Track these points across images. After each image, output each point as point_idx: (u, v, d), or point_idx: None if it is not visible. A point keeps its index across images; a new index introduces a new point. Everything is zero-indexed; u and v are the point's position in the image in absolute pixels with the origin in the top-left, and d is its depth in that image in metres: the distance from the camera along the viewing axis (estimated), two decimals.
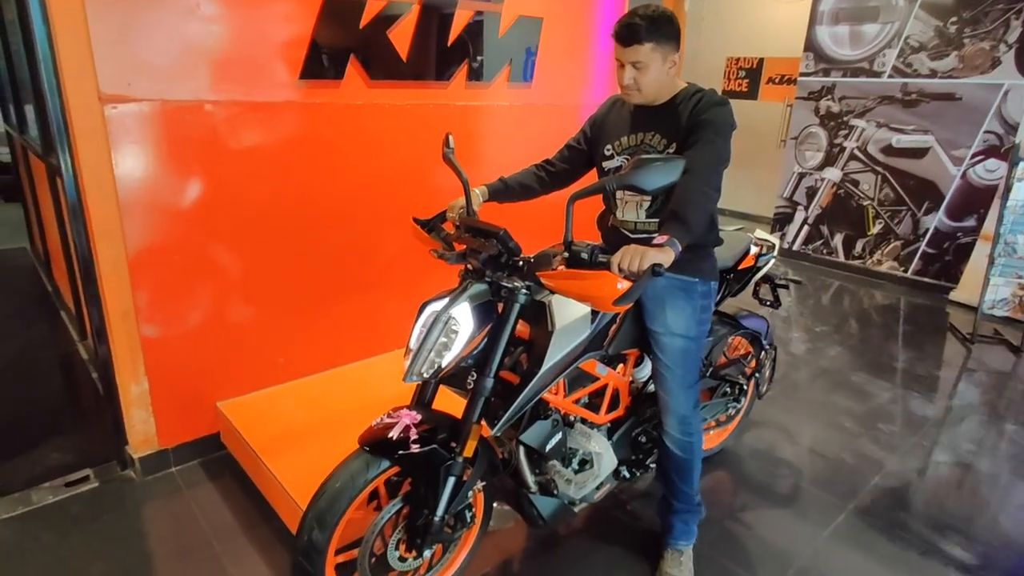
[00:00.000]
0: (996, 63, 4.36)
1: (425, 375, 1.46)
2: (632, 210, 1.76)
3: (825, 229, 5.44)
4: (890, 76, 4.85)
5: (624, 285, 1.25)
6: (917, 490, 2.43)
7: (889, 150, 4.93)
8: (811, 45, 5.24)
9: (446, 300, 1.50)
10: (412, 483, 1.57)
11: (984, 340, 3.90)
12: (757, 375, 2.35)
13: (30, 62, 2.56)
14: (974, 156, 4.54)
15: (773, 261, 2.16)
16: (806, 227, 5.56)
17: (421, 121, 2.69)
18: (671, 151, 1.67)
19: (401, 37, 2.52)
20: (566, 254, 1.42)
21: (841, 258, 5.36)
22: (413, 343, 1.52)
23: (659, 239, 1.39)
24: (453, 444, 1.52)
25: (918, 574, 1.98)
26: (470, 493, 1.60)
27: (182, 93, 2.06)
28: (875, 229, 5.13)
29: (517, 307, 1.48)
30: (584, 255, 1.38)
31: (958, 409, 3.12)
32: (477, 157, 2.95)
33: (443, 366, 1.45)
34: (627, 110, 1.78)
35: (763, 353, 2.36)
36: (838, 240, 5.37)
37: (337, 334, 2.71)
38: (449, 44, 2.67)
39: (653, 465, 2.03)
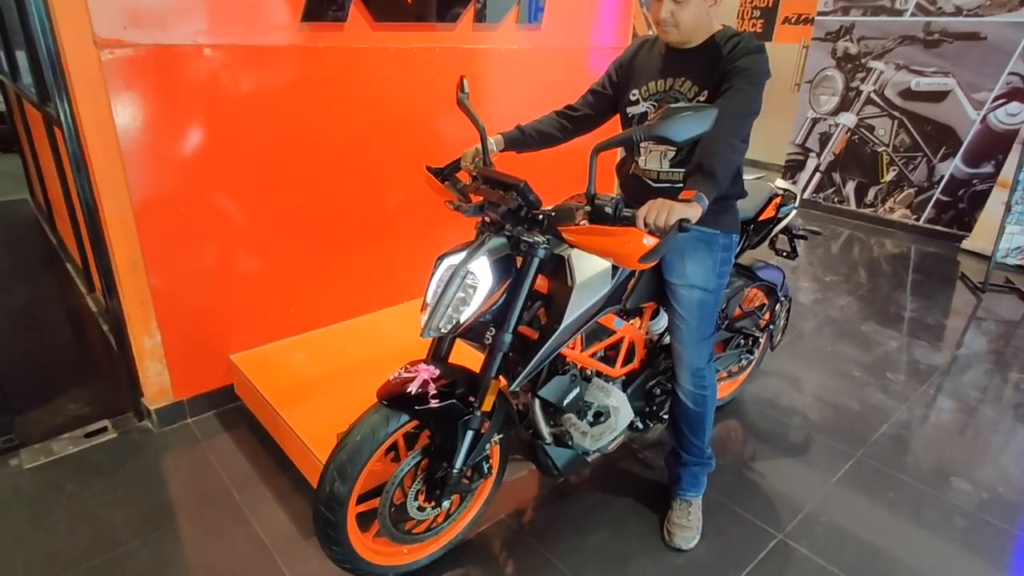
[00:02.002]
0: None
1: (443, 330, 1.44)
2: (655, 159, 1.70)
3: (837, 177, 5.34)
4: (912, 15, 4.64)
5: (651, 242, 1.22)
6: (923, 438, 2.46)
7: (908, 94, 4.78)
8: None
9: (463, 254, 1.47)
10: (430, 436, 1.58)
11: (995, 289, 3.88)
12: (771, 327, 2.34)
13: (19, 6, 2.44)
14: (996, 99, 4.40)
15: (795, 212, 2.11)
16: (818, 175, 5.45)
17: (427, 65, 2.59)
18: (702, 99, 1.60)
19: None
20: (588, 208, 1.38)
21: (852, 206, 5.29)
22: (430, 298, 1.50)
23: (686, 193, 1.35)
24: (471, 398, 1.52)
25: (923, 518, 2.02)
26: (487, 445, 1.61)
27: (180, 37, 1.97)
28: (889, 176, 5.03)
29: (536, 262, 1.45)
30: (608, 209, 1.33)
31: (965, 358, 3.13)
32: (485, 103, 2.85)
33: (461, 322, 1.43)
34: (657, 53, 1.70)
35: (778, 305, 2.34)
36: (850, 188, 5.28)
37: (348, 284, 2.69)
38: None
39: (666, 416, 2.05)
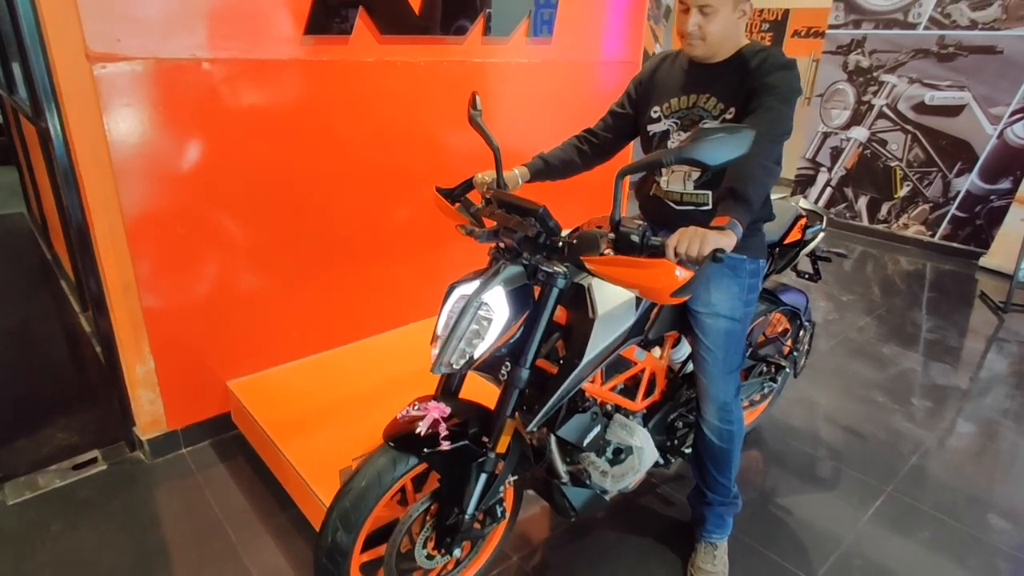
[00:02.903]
0: None
1: (455, 366, 1.33)
2: (679, 180, 1.60)
3: (849, 192, 5.24)
4: (926, 28, 4.57)
5: (684, 275, 1.11)
6: (955, 470, 2.33)
7: (921, 108, 4.69)
8: None
9: (476, 283, 1.36)
10: (441, 479, 1.46)
11: (1017, 308, 3.76)
12: (795, 353, 2.22)
13: (12, 18, 2.36)
14: (1013, 114, 4.31)
15: (822, 234, 2.00)
16: (829, 189, 5.36)
17: (435, 79, 2.50)
18: (728, 117, 1.50)
19: None
20: (611, 235, 1.27)
21: (865, 222, 5.18)
22: (441, 329, 1.39)
23: (718, 220, 1.24)
24: (485, 439, 1.40)
25: (965, 561, 1.89)
26: (501, 488, 1.50)
27: (177, 51, 1.88)
28: (902, 192, 4.93)
29: (556, 292, 1.34)
30: (635, 237, 1.22)
31: (991, 382, 3.01)
32: (495, 118, 2.76)
33: (475, 357, 1.32)
34: (679, 68, 1.60)
35: (802, 331, 2.23)
36: (862, 203, 5.18)
37: (352, 306, 2.59)
38: None
39: (688, 450, 1.93)
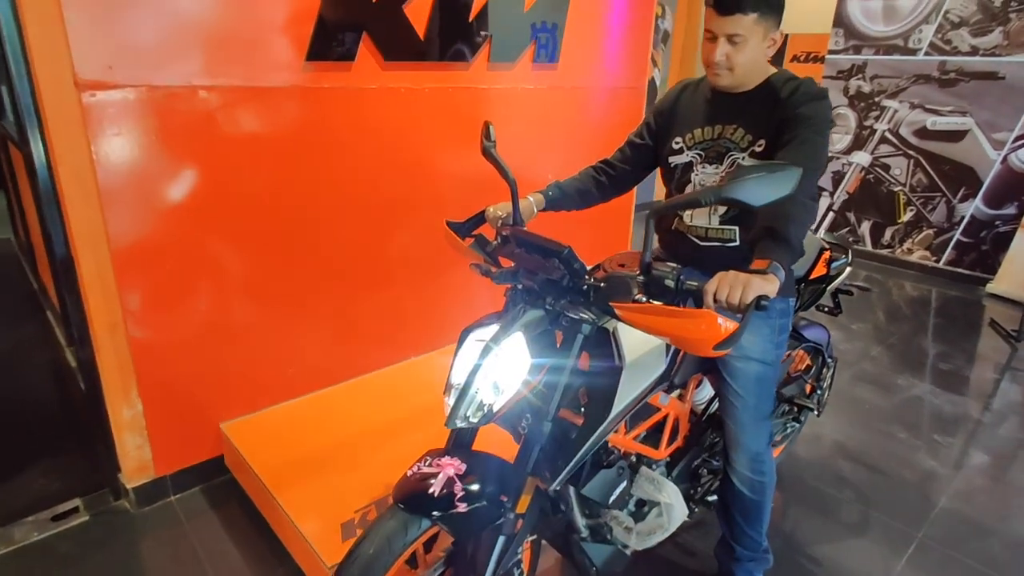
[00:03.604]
0: None
1: (472, 420, 1.22)
2: (703, 214, 1.51)
3: (852, 216, 5.19)
4: (927, 54, 4.56)
5: (728, 326, 1.01)
6: (986, 512, 2.22)
7: (923, 133, 4.67)
8: (841, 20, 4.93)
9: (493, 327, 1.26)
10: (455, 541, 1.34)
11: None
12: (819, 391, 2.12)
13: None
14: (1016, 139, 4.29)
15: (848, 269, 1.92)
16: (831, 214, 5.31)
17: (441, 106, 2.42)
18: (757, 149, 1.42)
19: (417, 12, 2.23)
20: (641, 277, 1.17)
21: (868, 247, 5.13)
22: (455, 378, 1.28)
23: (757, 263, 1.15)
24: (503, 497, 1.29)
25: None
26: (520, 548, 1.38)
27: (173, 78, 1.78)
28: (906, 216, 4.88)
29: (581, 339, 1.24)
30: (669, 282, 1.13)
31: (1015, 415, 2.91)
32: (501, 145, 2.67)
33: (495, 411, 1.21)
34: (702, 96, 1.53)
35: (824, 368, 2.13)
36: (865, 228, 5.13)
37: (353, 341, 2.47)
38: (470, 20, 2.39)
39: (712, 498, 1.82)
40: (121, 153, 1.76)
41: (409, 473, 1.31)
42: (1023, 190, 4.27)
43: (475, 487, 1.25)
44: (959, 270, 4.67)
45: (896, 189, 4.89)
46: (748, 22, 1.31)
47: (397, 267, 2.52)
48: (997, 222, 4.47)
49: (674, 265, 1.15)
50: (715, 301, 1.09)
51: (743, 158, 1.45)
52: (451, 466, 1.28)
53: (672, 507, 1.46)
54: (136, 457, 2.04)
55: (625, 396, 1.28)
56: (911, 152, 4.75)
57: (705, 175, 1.52)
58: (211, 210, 1.96)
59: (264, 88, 1.96)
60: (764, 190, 1.03)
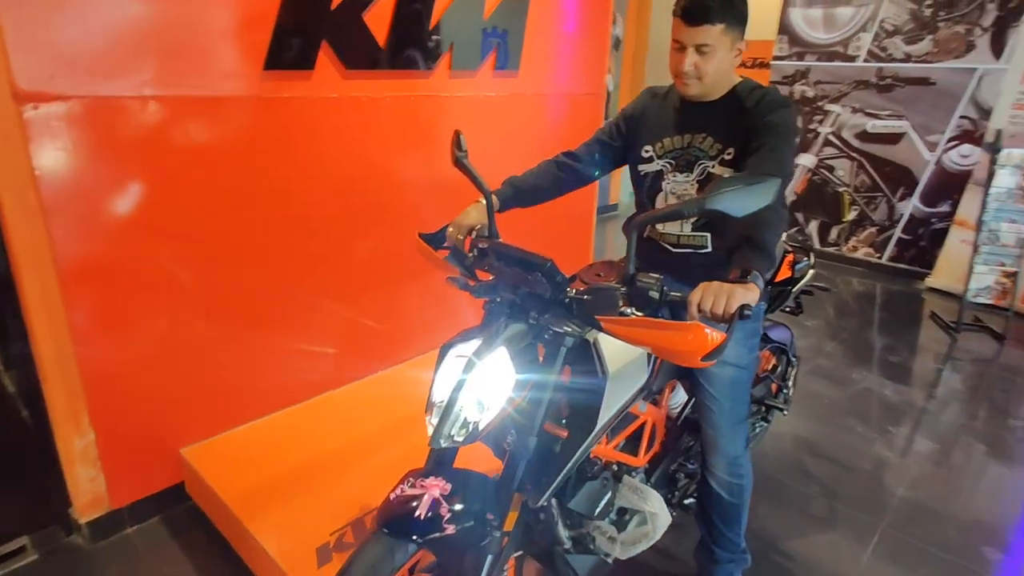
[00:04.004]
0: (970, 47, 4.34)
1: (457, 439, 1.19)
2: (676, 222, 1.53)
3: (800, 216, 5.39)
4: (865, 60, 4.78)
5: (716, 336, 1.02)
6: (941, 499, 2.32)
7: (864, 136, 4.89)
8: (785, 28, 5.12)
9: (475, 343, 1.24)
10: (440, 562, 1.31)
11: (968, 328, 3.90)
12: (785, 390, 2.18)
13: None
14: (949, 141, 4.53)
15: (812, 272, 1.98)
16: None
17: (403, 115, 2.39)
18: (726, 157, 1.44)
19: (378, 20, 2.19)
20: (623, 289, 1.17)
21: (816, 245, 5.33)
22: (437, 396, 1.25)
23: (735, 272, 1.17)
24: (489, 515, 1.26)
25: None
26: (506, 566, 1.36)
27: (123, 88, 1.70)
28: (850, 215, 5.10)
29: (564, 352, 1.23)
30: (654, 293, 1.13)
31: (959, 403, 3.07)
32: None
33: (480, 429, 1.19)
34: (671, 106, 1.54)
35: (789, 367, 2.19)
36: (813, 227, 5.33)
37: (316, 357, 2.40)
38: (431, 28, 2.36)
39: (688, 501, 1.84)
40: (66, 168, 1.66)
41: (392, 496, 1.27)
42: (955, 188, 4.52)
43: (461, 507, 1.23)
44: (900, 266, 4.91)
45: (841, 189, 5.10)
46: (716, 32, 1.34)
47: (361, 279, 2.46)
48: (933, 219, 4.71)
49: (657, 276, 1.15)
50: (699, 311, 1.10)
51: (712, 166, 1.48)
52: (436, 487, 1.25)
53: (657, 515, 1.47)
54: (89, 490, 1.92)
55: (611, 408, 1.28)
56: (854, 154, 4.96)
57: (676, 183, 1.53)
58: (164, 226, 1.87)
59: (220, 98, 1.89)
60: (745, 201, 1.05)
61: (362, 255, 2.43)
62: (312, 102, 2.10)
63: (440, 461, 1.37)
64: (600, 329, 1.16)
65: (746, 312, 1.08)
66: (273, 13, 1.91)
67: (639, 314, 1.13)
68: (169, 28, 1.74)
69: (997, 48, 4.25)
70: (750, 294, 1.11)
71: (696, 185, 1.50)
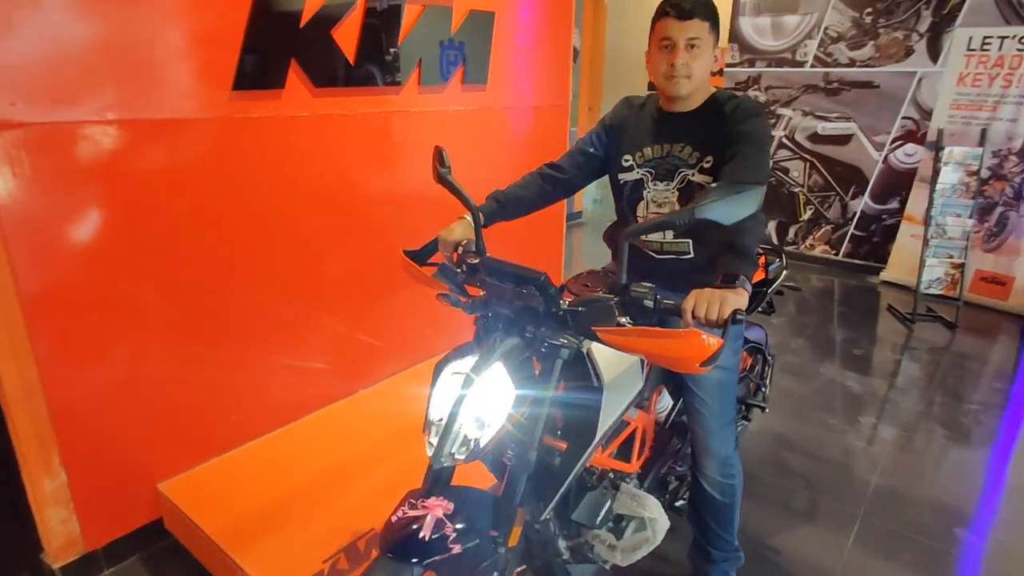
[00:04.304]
0: (909, 52, 4.57)
1: (459, 457, 1.19)
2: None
3: None
4: (812, 66, 4.98)
5: (713, 342, 1.04)
6: (914, 485, 2.42)
7: (815, 137, 5.08)
8: (736, 36, 5.29)
9: (470, 359, 1.24)
10: None
11: (922, 318, 4.08)
12: (763, 388, 2.24)
13: None
14: (894, 141, 4.76)
15: (785, 273, 2.04)
16: None
17: (374, 131, 2.37)
18: (705, 165, 1.48)
19: (346, 37, 2.18)
20: (616, 299, 1.19)
21: (775, 244, 5.50)
22: (434, 415, 1.24)
23: (725, 277, 1.20)
24: (493, 532, 1.26)
25: None
26: None
27: (87, 113, 1.64)
28: (806, 215, 5.29)
29: (560, 364, 1.24)
30: (648, 302, 1.15)
31: (921, 391, 3.20)
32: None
33: (482, 446, 1.18)
34: (649, 116, 1.58)
35: (766, 365, 2.25)
36: (771, 227, 5.50)
37: (295, 379, 2.34)
38: (399, 43, 2.36)
39: (679, 504, 1.87)
40: (28, 198, 1.59)
41: (393, 519, 1.25)
42: (903, 186, 4.74)
43: (465, 525, 1.22)
44: (856, 261, 5.11)
45: (796, 190, 5.29)
46: (704, 28, 1.39)
47: (337, 297, 2.42)
48: (883, 216, 4.93)
49: (650, 285, 1.17)
50: (694, 318, 1.13)
51: (692, 174, 1.52)
52: (438, 506, 1.23)
53: (656, 520, 1.49)
54: (61, 533, 1.83)
55: (609, 417, 1.30)
56: (806, 155, 5.16)
57: (656, 192, 1.57)
58: (135, 253, 1.81)
59: (188, 120, 1.84)
60: (734, 209, 1.09)
61: (339, 273, 2.39)
62: (283, 121, 2.07)
63: (438, 480, 1.36)
64: (598, 340, 1.17)
65: (739, 317, 1.11)
66: (240, 33, 1.87)
67: (632, 324, 1.15)
68: (134, 51, 1.69)
69: (933, 52, 4.49)
70: (741, 299, 1.14)
71: (676, 193, 1.54)
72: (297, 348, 2.32)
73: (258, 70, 1.95)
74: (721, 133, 1.46)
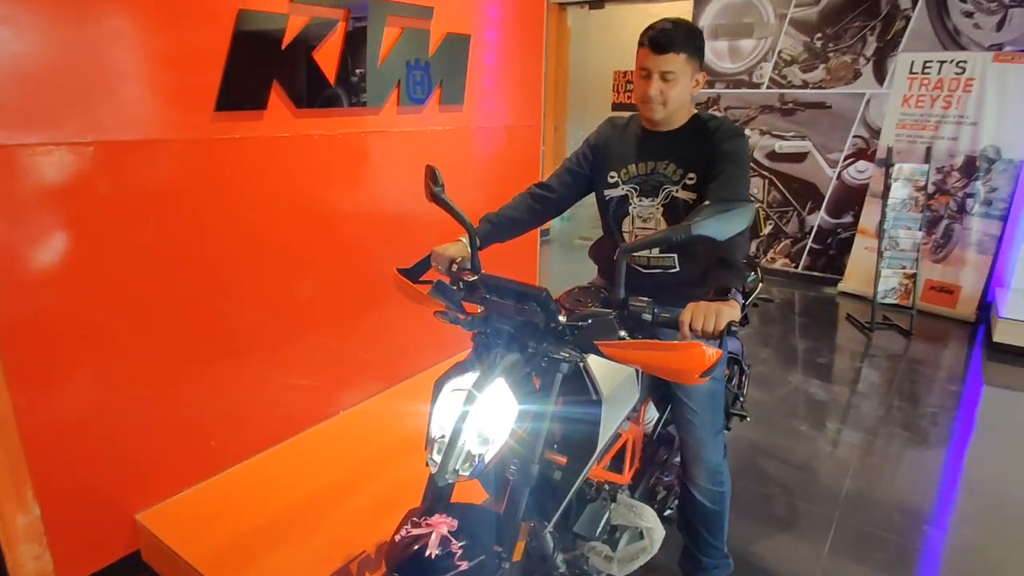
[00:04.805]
0: (858, 74, 4.83)
1: (463, 473, 1.20)
2: None
3: None
4: (768, 87, 5.21)
5: (714, 353, 1.09)
6: (884, 486, 2.53)
7: (773, 156, 5.30)
8: None
9: (469, 375, 1.26)
10: None
11: (880, 327, 4.27)
12: (741, 398, 2.31)
13: None
14: (846, 158, 5.00)
15: (760, 285, 2.12)
16: None
17: (355, 151, 2.38)
18: (688, 182, 1.55)
19: (327, 58, 2.19)
20: (614, 313, 1.23)
21: None
22: (436, 432, 1.25)
23: (717, 291, 1.26)
24: (498, 548, 1.27)
25: None
26: None
27: (68, 135, 1.61)
28: (767, 229, 5.48)
29: (560, 378, 1.27)
30: (646, 315, 1.20)
31: (883, 396, 3.35)
32: (416, 188, 2.68)
33: (486, 461, 1.20)
34: (633, 134, 1.64)
35: (743, 376, 2.33)
36: None
37: (276, 401, 2.30)
38: (379, 65, 2.38)
39: (667, 513, 1.91)
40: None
41: (397, 538, 1.25)
42: (856, 201, 4.98)
43: (470, 542, 1.23)
44: (815, 273, 5.31)
45: (756, 206, 5.49)
46: (680, 61, 1.46)
47: (319, 317, 2.40)
48: (839, 229, 5.15)
49: (647, 299, 1.22)
50: (691, 330, 1.18)
51: (676, 190, 1.58)
52: (443, 524, 1.24)
53: (653, 530, 1.52)
54: (34, 569, 1.74)
55: (608, 430, 1.33)
56: (765, 173, 5.37)
57: (642, 207, 1.63)
58: (110, 277, 1.76)
59: (169, 141, 1.82)
60: (727, 225, 1.14)
61: (321, 292, 2.37)
62: (265, 141, 2.06)
63: (439, 497, 1.36)
64: (600, 354, 1.20)
65: (733, 328, 1.16)
66: (223, 55, 1.87)
67: (640, 339, 1.19)
68: (115, 73, 1.67)
69: (879, 75, 4.76)
70: (734, 311, 1.19)
71: (661, 208, 1.60)
72: (279, 368, 2.29)
73: (240, 91, 1.95)
74: (704, 151, 1.53)
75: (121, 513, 1.90)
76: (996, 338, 3.90)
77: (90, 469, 1.81)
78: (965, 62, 4.27)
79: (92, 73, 1.63)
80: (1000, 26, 4.28)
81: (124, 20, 1.67)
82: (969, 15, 4.36)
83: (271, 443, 2.29)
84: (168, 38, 1.76)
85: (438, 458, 1.21)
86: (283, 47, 2.04)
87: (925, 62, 4.42)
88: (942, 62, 4.37)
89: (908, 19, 4.56)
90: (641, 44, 1.50)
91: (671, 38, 1.44)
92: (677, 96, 1.50)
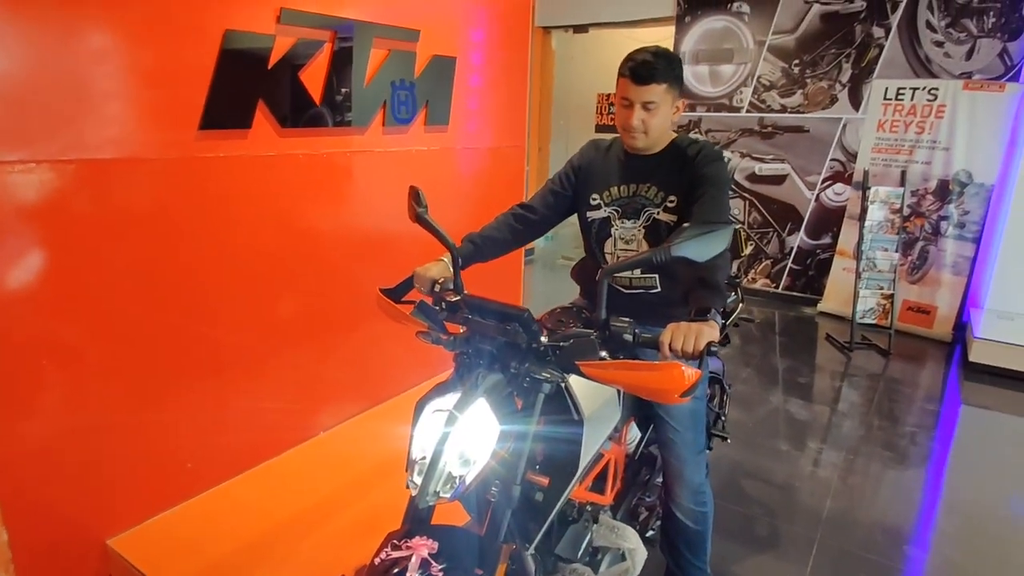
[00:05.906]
0: (834, 100, 4.96)
1: (444, 495, 1.19)
2: None
3: None
4: (748, 111, 5.32)
5: (692, 374, 1.10)
6: (864, 506, 2.54)
7: (753, 178, 5.40)
8: None
9: (451, 396, 1.25)
10: None
11: (859, 346, 4.33)
12: (723, 418, 2.32)
13: None
14: (824, 181, 5.11)
15: (741, 306, 2.15)
16: None
17: (338, 171, 2.38)
18: (670, 204, 1.57)
19: (313, 78, 2.20)
20: (596, 333, 1.24)
21: None
22: (417, 452, 1.24)
23: (697, 312, 1.27)
24: (479, 571, 1.25)
25: None
26: None
27: (51, 152, 1.59)
28: (748, 250, 5.53)
29: (542, 398, 1.27)
30: (628, 336, 1.21)
31: (862, 415, 3.38)
32: (400, 208, 2.68)
33: (467, 483, 1.19)
34: (615, 157, 1.67)
35: (724, 396, 2.34)
36: None
37: (254, 422, 2.27)
38: (365, 85, 2.40)
39: (649, 534, 1.90)
40: None
41: (376, 561, 1.23)
42: (834, 222, 5.07)
43: (451, 564, 1.21)
44: (794, 293, 5.39)
45: (737, 227, 5.55)
46: (660, 91, 1.48)
47: (300, 337, 2.38)
48: (818, 250, 5.24)
49: (628, 320, 1.23)
50: (671, 350, 1.19)
51: (658, 213, 1.60)
52: (423, 546, 1.22)
53: (635, 551, 1.51)
54: None
55: (590, 450, 1.33)
56: (746, 194, 5.46)
57: (624, 229, 1.65)
58: (88, 297, 1.74)
59: (153, 159, 1.81)
60: (706, 247, 1.16)
61: (301, 313, 2.35)
62: (249, 160, 2.06)
63: (419, 519, 1.35)
64: (581, 375, 1.21)
65: (712, 348, 1.17)
66: (209, 74, 1.87)
67: (621, 359, 1.20)
68: (98, 89, 1.66)
69: (855, 100, 4.89)
70: (713, 331, 1.21)
71: (643, 230, 1.62)
72: (257, 389, 2.26)
73: (225, 110, 1.94)
74: (685, 174, 1.56)
75: (91, 538, 1.85)
76: (972, 358, 3.97)
77: (60, 492, 1.76)
78: (937, 89, 4.41)
79: (75, 91, 1.62)
80: (969, 55, 4.43)
81: (109, 38, 1.67)
82: (939, 44, 4.51)
83: (248, 465, 2.25)
84: (153, 56, 1.76)
85: (419, 480, 1.20)
86: (269, 67, 2.04)
87: (899, 89, 4.55)
88: (915, 89, 4.50)
89: (881, 47, 4.71)
90: (622, 74, 1.53)
91: (652, 69, 1.46)
92: (658, 124, 1.53)
